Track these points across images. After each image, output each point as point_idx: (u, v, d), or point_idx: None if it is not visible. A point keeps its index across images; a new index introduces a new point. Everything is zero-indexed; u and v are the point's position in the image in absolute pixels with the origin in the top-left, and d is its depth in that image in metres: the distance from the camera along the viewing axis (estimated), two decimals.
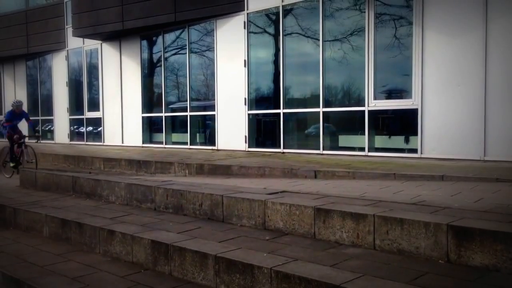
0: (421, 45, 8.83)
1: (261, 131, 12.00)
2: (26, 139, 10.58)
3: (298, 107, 11.06)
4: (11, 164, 10.35)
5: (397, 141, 9.46)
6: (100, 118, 15.99)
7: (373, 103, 9.54)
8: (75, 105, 17.24)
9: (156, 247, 4.09)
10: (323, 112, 10.29)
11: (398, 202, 4.44)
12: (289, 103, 11.13)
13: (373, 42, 9.53)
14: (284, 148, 10.99)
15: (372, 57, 9.54)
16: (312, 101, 10.66)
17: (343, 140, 10.29)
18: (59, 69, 17.75)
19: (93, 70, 16.45)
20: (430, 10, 8.73)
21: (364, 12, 9.63)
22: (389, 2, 9.44)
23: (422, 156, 8.78)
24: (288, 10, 11.02)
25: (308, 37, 10.75)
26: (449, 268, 3.22)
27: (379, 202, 4.42)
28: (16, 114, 10.50)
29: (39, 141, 10.79)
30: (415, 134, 8.92)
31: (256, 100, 11.91)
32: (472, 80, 8.22)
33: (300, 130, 11.18)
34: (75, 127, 17.38)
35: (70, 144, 17.03)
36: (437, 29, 8.68)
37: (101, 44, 15.89)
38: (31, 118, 11.66)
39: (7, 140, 10.66)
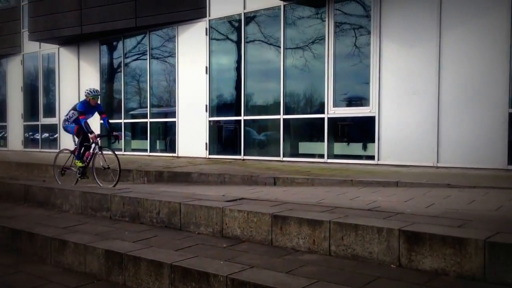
0: (379, 54, 9.05)
1: (222, 138, 11.98)
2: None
3: (259, 114, 11.11)
4: (78, 170, 8.16)
5: (356, 148, 9.64)
6: (57, 124, 15.57)
7: (332, 111, 9.69)
8: (30, 111, 16.74)
9: (110, 256, 4.00)
10: (284, 119, 10.37)
11: (354, 208, 4.51)
12: (250, 110, 11.17)
13: (333, 51, 9.70)
14: (244, 155, 11.00)
15: (332, 65, 9.71)
16: (272, 108, 10.73)
17: (303, 147, 10.41)
18: (14, 74, 17.21)
19: (50, 75, 16.02)
20: (387, 20, 8.97)
21: (325, 20, 9.80)
22: (349, 11, 9.65)
23: (379, 162, 8.97)
24: (250, 18, 11.08)
25: (270, 44, 10.84)
26: (400, 273, 3.29)
27: (335, 208, 4.47)
28: (90, 107, 8.23)
29: (118, 142, 8.45)
30: (373, 141, 9.12)
31: (218, 107, 11.90)
32: (427, 89, 8.48)
33: (261, 137, 11.23)
34: (29, 133, 16.86)
35: (24, 151, 16.49)
36: (394, 39, 8.93)
37: (58, 48, 15.52)
38: None
39: (76, 138, 8.28)
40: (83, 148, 8.25)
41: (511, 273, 2.96)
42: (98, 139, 8.05)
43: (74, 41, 14.79)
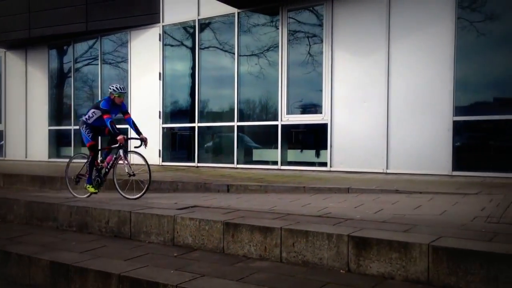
0: (331, 63, 9.23)
1: (176, 145, 11.84)
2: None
3: (213, 121, 11.07)
4: (89, 189, 6.89)
5: (309, 155, 9.77)
6: (2, 130, 14.94)
7: (286, 118, 9.79)
8: None
9: (55, 268, 3.87)
10: (238, 126, 10.38)
11: (306, 215, 4.56)
12: (204, 117, 11.11)
13: (287, 58, 9.82)
14: (198, 162, 10.93)
15: (286, 73, 9.82)
16: (227, 115, 10.72)
17: (257, 154, 10.45)
18: None
19: None
20: (339, 29, 9.17)
21: (279, 28, 9.91)
22: (302, 20, 9.80)
23: (331, 169, 9.13)
24: (204, 24, 11.05)
25: (224, 51, 10.84)
26: (349, 278, 3.35)
27: (287, 215, 4.51)
28: (114, 105, 6.85)
29: (145, 147, 6.92)
30: (325, 148, 9.27)
31: (171, 113, 11.77)
32: (377, 97, 8.72)
33: (215, 144, 11.19)
34: None
35: None
36: (346, 48, 9.13)
37: (5, 52, 14.93)
38: None
39: (91, 141, 6.93)
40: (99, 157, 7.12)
41: (453, 276, 3.07)
42: (127, 143, 6.84)
43: (22, 45, 14.26)
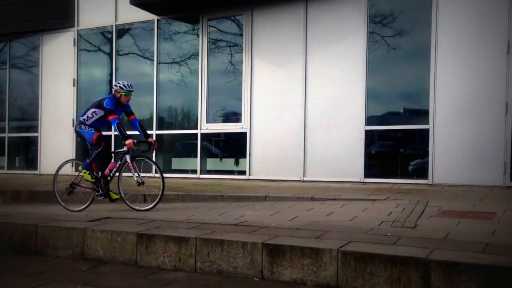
0: (251, 72, 9.35)
1: None
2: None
3: (131, 129, 10.74)
4: (84, 174, 6.28)
5: (228, 163, 9.79)
6: None
7: (205, 126, 9.75)
8: None
9: None
10: (157, 135, 10.18)
11: (222, 223, 4.55)
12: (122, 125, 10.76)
13: (207, 67, 9.80)
14: None
15: (206, 81, 9.79)
16: (146, 123, 10.47)
17: (176, 163, 10.30)
18: None
19: None
20: (258, 39, 9.32)
21: (199, 37, 9.88)
22: (223, 29, 9.84)
23: (250, 177, 9.21)
24: (123, 30, 10.77)
25: (145, 58, 10.63)
26: (263, 285, 3.38)
27: (203, 224, 4.47)
28: (119, 105, 6.21)
29: (153, 151, 6.27)
30: (244, 156, 9.34)
31: None
32: (294, 106, 8.94)
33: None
34: None
35: None
36: (265, 57, 9.29)
37: None
38: None
39: (94, 145, 6.28)
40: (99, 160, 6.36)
41: (360, 279, 3.19)
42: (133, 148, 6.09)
43: None
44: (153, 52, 10.38)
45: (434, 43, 7.79)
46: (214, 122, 9.83)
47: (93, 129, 6.24)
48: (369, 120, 8.40)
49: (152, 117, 10.31)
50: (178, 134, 10.26)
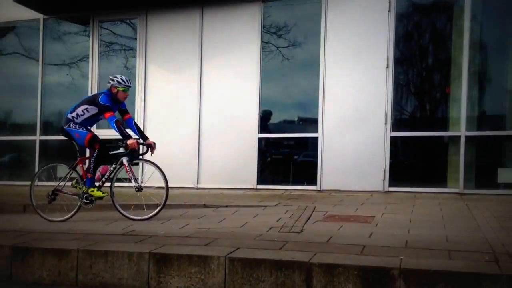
0: (144, 77, 9.12)
1: None
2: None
3: (12, 134, 9.98)
4: (93, 193, 5.48)
5: (122, 172, 9.39)
6: None
7: (96, 132, 9.29)
8: None
9: None
10: (41, 140, 9.53)
11: (108, 233, 4.37)
12: (1, 129, 9.97)
13: (97, 70, 9.40)
14: None
15: (97, 84, 9.38)
16: (28, 127, 9.78)
17: (62, 170, 9.68)
18: None
19: None
20: (153, 43, 9.12)
21: (90, 38, 9.44)
22: (116, 31, 9.50)
23: (146, 185, 8.92)
24: (5, 28, 10.00)
25: (31, 58, 9.97)
26: None
27: (88, 235, 4.26)
28: (115, 102, 5.54)
29: (152, 154, 5.58)
30: (138, 164, 9.05)
31: None
32: (189, 113, 8.87)
33: (13, 159, 10.09)
34: None
35: None
36: (160, 63, 9.12)
37: None
38: None
39: (88, 133, 5.55)
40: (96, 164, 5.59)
41: (247, 285, 3.23)
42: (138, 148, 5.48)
43: None
44: (37, 52, 9.75)
45: (323, 56, 8.19)
46: (102, 128, 9.43)
47: (84, 129, 5.59)
48: (263, 128, 8.60)
49: (35, 122, 9.64)
50: (65, 140, 9.65)
